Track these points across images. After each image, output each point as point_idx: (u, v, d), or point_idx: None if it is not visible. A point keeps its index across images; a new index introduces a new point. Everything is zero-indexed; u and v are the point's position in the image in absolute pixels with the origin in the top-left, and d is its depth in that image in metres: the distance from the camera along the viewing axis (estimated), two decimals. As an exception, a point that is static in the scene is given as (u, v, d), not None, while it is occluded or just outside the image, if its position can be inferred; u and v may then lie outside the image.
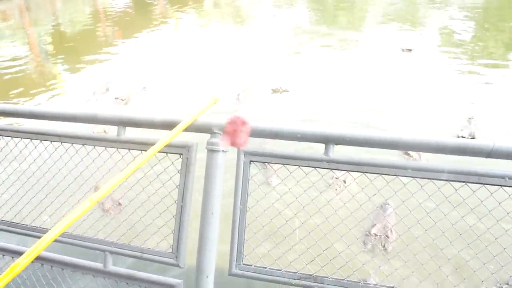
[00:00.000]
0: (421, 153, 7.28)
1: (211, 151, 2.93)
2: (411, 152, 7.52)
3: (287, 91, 11.11)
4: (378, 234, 5.54)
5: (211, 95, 3.23)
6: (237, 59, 14.07)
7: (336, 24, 19.36)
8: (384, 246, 5.45)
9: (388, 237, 5.50)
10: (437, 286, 3.04)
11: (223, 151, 2.93)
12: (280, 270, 2.97)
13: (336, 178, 6.62)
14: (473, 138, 8.58)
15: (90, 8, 26.19)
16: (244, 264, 3.01)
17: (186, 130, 2.93)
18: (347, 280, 2.90)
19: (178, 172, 3.06)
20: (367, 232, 5.62)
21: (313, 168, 2.88)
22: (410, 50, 14.52)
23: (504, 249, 2.83)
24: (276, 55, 14.37)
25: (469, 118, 9.40)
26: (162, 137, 2.74)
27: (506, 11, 19.61)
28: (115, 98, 11.05)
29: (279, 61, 13.70)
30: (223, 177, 2.93)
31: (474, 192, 2.69)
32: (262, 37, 16.99)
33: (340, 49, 15.17)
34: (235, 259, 3.01)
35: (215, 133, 2.94)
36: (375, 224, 5.68)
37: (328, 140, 2.79)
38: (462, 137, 8.67)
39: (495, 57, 13.95)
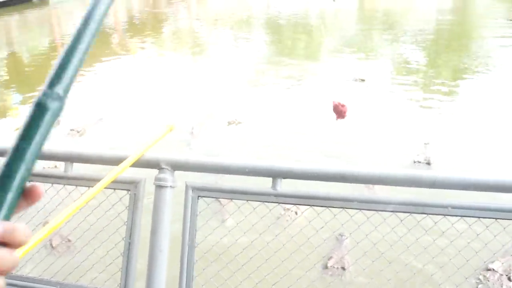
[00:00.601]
0: None
1: (159, 187, 2.90)
2: None
3: (241, 122, 11.12)
4: (335, 267, 5.54)
5: (166, 123, 3.20)
6: (194, 90, 14.08)
7: (293, 55, 19.66)
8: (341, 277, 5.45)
9: (344, 268, 5.50)
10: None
11: (171, 186, 2.91)
12: None
13: (287, 209, 6.63)
14: (429, 163, 8.84)
15: (48, 38, 25.83)
16: None
17: (134, 165, 2.89)
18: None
19: (126, 208, 3.00)
20: (325, 265, 5.61)
21: (261, 202, 2.87)
22: (363, 80, 14.82)
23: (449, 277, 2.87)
24: (233, 85, 14.46)
25: (425, 144, 9.65)
26: (109, 172, 2.69)
27: (455, 42, 20.33)
28: (70, 130, 10.84)
29: (236, 92, 13.78)
30: (171, 213, 2.88)
31: (418, 222, 2.75)
32: (220, 68, 17.09)
33: (297, 80, 15.40)
34: None
35: (163, 168, 2.91)
36: (331, 257, 5.68)
37: (275, 174, 2.81)
38: (418, 162, 8.90)
39: (447, 85, 14.42)
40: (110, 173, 2.70)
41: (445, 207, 2.70)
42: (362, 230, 2.90)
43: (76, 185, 3.13)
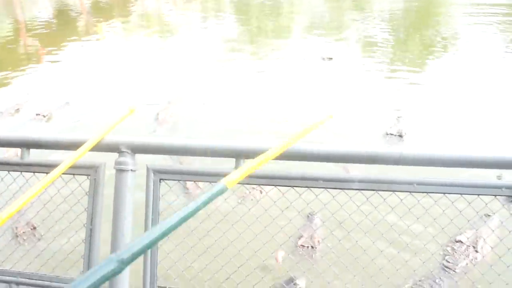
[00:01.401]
0: None
1: (119, 171, 2.80)
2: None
3: (205, 104, 10.94)
4: (305, 245, 5.53)
5: (128, 106, 3.07)
6: (160, 72, 13.82)
7: (262, 34, 19.49)
8: (312, 256, 5.44)
9: (314, 247, 5.49)
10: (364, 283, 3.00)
11: (132, 170, 2.80)
12: None
13: (252, 189, 6.57)
14: (401, 135, 8.92)
15: (10, 20, 25.02)
16: (158, 287, 2.86)
17: (94, 150, 2.77)
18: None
19: (86, 194, 2.88)
20: (295, 245, 5.58)
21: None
22: (331, 58, 14.79)
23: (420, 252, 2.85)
24: (202, 68, 14.24)
25: (398, 117, 9.72)
26: (67, 157, 2.57)
27: (422, 19, 20.43)
28: (36, 115, 10.53)
29: (204, 74, 13.57)
30: (133, 197, 2.79)
31: (385, 199, 2.70)
32: (188, 49, 16.82)
33: (265, 59, 15.28)
34: (149, 283, 2.87)
35: (123, 151, 2.80)
36: (301, 236, 5.66)
37: (238, 155, 2.72)
38: (391, 134, 8.96)
39: (416, 61, 14.51)
40: (68, 158, 2.58)
41: (411, 183, 2.67)
42: (328, 210, 2.83)
43: (34, 172, 2.97)
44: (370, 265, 2.94)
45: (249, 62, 14.98)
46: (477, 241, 5.62)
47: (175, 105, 10.93)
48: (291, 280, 4.80)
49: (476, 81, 11.88)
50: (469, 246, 5.57)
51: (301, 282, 4.78)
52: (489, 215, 5.97)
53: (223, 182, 1.75)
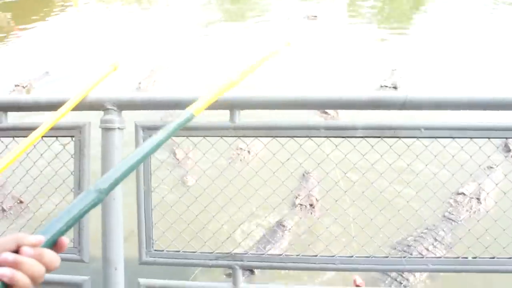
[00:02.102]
0: (338, 110, 7.19)
1: (106, 129, 2.64)
2: (328, 110, 7.41)
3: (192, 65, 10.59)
4: (303, 204, 5.38)
5: (111, 62, 2.86)
6: (140, 39, 13.40)
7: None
8: (311, 213, 5.30)
9: (313, 206, 5.35)
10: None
11: (119, 128, 2.65)
12: (195, 252, 2.74)
13: (241, 149, 6.38)
14: (395, 87, 8.74)
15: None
16: (155, 250, 2.77)
17: (76, 109, 2.57)
18: (268, 254, 2.70)
19: (72, 156, 2.69)
20: (292, 204, 5.43)
21: (219, 138, 2.61)
22: (315, 17, 14.49)
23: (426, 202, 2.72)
24: (183, 32, 13.83)
25: (392, 70, 9.55)
26: (47, 118, 2.37)
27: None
28: (16, 86, 10.17)
29: (186, 39, 13.18)
30: (121, 156, 2.64)
31: (390, 146, 2.56)
32: (168, 15, 16.34)
33: (248, 19, 14.90)
34: (145, 246, 2.76)
35: (109, 109, 2.63)
36: (298, 195, 5.51)
37: (232, 106, 2.55)
38: (385, 86, 8.79)
39: (404, 15, 14.25)
40: (49, 119, 2.39)
41: (418, 128, 2.54)
42: (331, 160, 2.67)
43: (13, 137, 2.76)
44: (378, 217, 2.79)
45: (232, 24, 14.62)
46: (479, 193, 5.55)
47: (158, 73, 10.58)
48: (279, 222, 4.76)
49: (467, 34, 11.72)
50: (471, 198, 5.50)
51: (288, 224, 4.79)
52: (491, 167, 5.87)
53: (189, 110, 1.75)
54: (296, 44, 9.10)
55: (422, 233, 4.92)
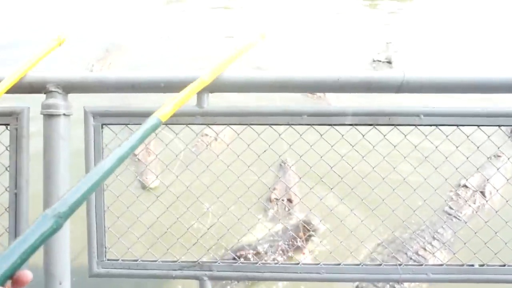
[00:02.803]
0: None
1: (49, 116, 2.30)
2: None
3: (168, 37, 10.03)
4: (280, 199, 5.01)
5: (56, 34, 2.50)
6: (94, 15, 12.67)
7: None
8: (288, 211, 4.95)
9: (291, 201, 5.01)
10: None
11: (65, 114, 2.32)
12: (156, 261, 2.42)
13: (206, 135, 6.02)
14: (390, 62, 8.44)
15: None
16: (108, 260, 2.49)
17: (12, 91, 2.25)
18: (241, 262, 2.41)
19: (7, 149, 2.33)
20: (267, 199, 5.09)
21: (184, 126, 2.30)
22: None
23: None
24: (144, 10, 13.19)
25: (387, 43, 9.29)
26: None
27: None
28: None
29: (147, 17, 12.53)
30: (68, 148, 2.32)
31: (385, 136, 2.27)
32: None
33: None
34: (96, 255, 2.47)
35: (52, 91, 2.30)
36: (274, 188, 5.17)
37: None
38: (378, 61, 8.49)
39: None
40: None
41: (416, 115, 2.30)
42: (315, 151, 2.36)
43: None
44: (370, 218, 2.50)
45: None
46: (484, 186, 5.26)
47: (114, 54, 9.99)
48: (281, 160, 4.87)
49: (462, 10, 11.47)
50: (475, 191, 5.21)
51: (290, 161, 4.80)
52: (499, 156, 5.55)
53: (155, 115, 1.68)
54: (271, 36, 8.71)
55: (419, 230, 4.64)
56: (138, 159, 5.56)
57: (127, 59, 9.60)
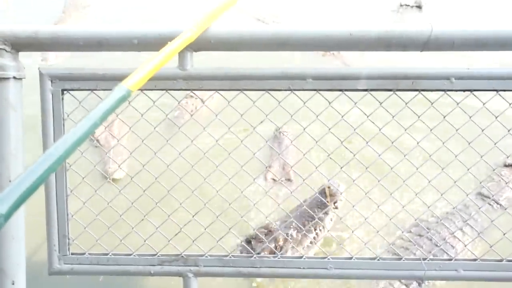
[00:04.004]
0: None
1: None
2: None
3: None
4: (277, 179, 4.70)
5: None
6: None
7: None
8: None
9: (290, 180, 4.72)
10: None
11: (15, 78, 2.04)
12: (131, 255, 2.19)
13: (191, 97, 5.69)
14: (419, 6, 8.02)
15: None
16: (72, 254, 2.26)
17: None
18: (233, 256, 2.17)
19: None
20: (264, 176, 4.78)
21: (164, 92, 2.03)
22: None
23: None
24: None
25: None
26: None
27: None
28: None
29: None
30: (21, 119, 2.06)
31: (406, 104, 2.01)
32: None
33: None
34: (57, 248, 2.23)
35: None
36: (270, 166, 4.85)
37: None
38: (406, 5, 8.12)
39: None
40: None
41: (446, 78, 2.05)
42: (321, 122, 2.11)
43: None
44: (389, 202, 2.24)
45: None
46: None
47: (73, 13, 9.35)
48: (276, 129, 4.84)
49: None
50: None
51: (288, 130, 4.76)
52: None
53: (123, 85, 1.45)
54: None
55: (448, 213, 4.33)
56: (98, 142, 4.95)
57: (91, 19, 9.07)
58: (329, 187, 4.22)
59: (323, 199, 4.07)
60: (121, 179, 4.54)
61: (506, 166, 4.96)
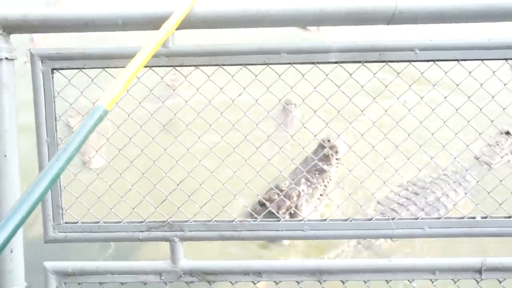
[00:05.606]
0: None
1: None
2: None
3: None
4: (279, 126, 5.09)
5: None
6: None
7: None
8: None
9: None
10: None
11: (7, 59, 2.25)
12: (120, 222, 2.41)
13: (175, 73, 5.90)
14: None
15: None
16: (65, 223, 2.47)
17: None
18: (216, 221, 2.39)
19: None
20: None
21: (148, 69, 2.24)
22: None
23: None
24: None
25: None
26: None
27: None
28: None
29: None
30: (14, 97, 2.27)
31: (374, 74, 2.23)
32: None
33: None
34: (51, 218, 2.45)
35: (-11, 29, 2.30)
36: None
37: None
38: None
39: None
40: None
41: (411, 49, 2.26)
42: (296, 94, 2.34)
43: None
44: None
45: None
46: None
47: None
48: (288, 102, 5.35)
49: None
50: None
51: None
52: None
53: (101, 104, 1.58)
54: None
55: (444, 175, 4.68)
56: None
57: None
58: (328, 140, 4.56)
59: (325, 151, 4.41)
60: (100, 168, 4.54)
61: (501, 133, 5.29)
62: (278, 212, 3.62)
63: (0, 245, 1.17)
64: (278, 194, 3.89)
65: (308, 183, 4.41)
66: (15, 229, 1.21)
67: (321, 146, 4.62)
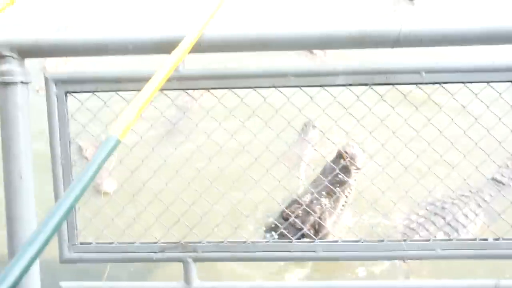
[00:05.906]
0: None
1: (4, 84, 2.30)
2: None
3: None
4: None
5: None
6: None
7: None
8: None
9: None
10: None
11: (22, 82, 2.32)
12: (134, 243, 2.45)
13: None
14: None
15: None
16: (80, 244, 2.54)
17: None
18: (229, 242, 2.44)
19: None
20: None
21: (159, 92, 2.29)
22: None
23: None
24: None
25: None
26: None
27: None
28: None
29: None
30: (28, 120, 2.34)
31: (382, 97, 2.30)
32: None
33: None
34: (66, 238, 2.52)
35: (6, 56, 2.29)
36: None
37: (174, 48, 2.20)
38: None
39: None
40: None
41: (417, 72, 2.30)
42: (304, 116, 2.40)
43: None
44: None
45: None
46: None
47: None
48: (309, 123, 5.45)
49: None
50: None
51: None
52: None
53: (113, 135, 1.59)
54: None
55: (462, 195, 4.68)
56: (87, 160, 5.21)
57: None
58: (346, 152, 4.52)
59: (343, 163, 4.43)
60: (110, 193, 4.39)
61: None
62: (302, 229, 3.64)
63: (17, 278, 1.16)
64: (301, 209, 3.98)
65: (329, 196, 4.45)
66: (31, 261, 1.21)
67: (339, 156, 4.66)
